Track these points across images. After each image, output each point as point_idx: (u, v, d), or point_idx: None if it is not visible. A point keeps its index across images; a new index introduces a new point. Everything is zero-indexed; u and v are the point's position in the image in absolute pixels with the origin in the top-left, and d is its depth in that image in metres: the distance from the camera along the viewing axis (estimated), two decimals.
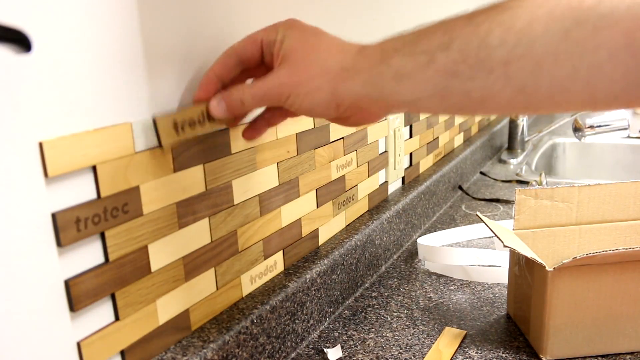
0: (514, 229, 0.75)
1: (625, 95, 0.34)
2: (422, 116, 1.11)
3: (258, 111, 0.56)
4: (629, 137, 1.75)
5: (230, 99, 0.49)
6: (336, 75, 0.44)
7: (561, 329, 0.64)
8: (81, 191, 0.43)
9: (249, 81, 0.53)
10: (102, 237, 0.45)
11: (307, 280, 0.69)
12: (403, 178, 1.06)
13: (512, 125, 1.65)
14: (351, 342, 0.70)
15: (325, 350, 0.68)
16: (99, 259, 0.45)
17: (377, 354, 0.67)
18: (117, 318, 0.47)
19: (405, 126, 1.03)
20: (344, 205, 0.83)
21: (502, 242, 0.64)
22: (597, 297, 0.63)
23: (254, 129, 0.56)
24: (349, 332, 0.72)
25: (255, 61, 0.49)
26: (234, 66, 0.50)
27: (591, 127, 1.37)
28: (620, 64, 0.32)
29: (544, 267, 0.62)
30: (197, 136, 0.53)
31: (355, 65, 0.43)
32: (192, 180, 0.54)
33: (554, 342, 0.64)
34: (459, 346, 0.68)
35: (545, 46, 0.33)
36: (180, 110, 0.49)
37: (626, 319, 0.64)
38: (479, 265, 0.87)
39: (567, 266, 0.61)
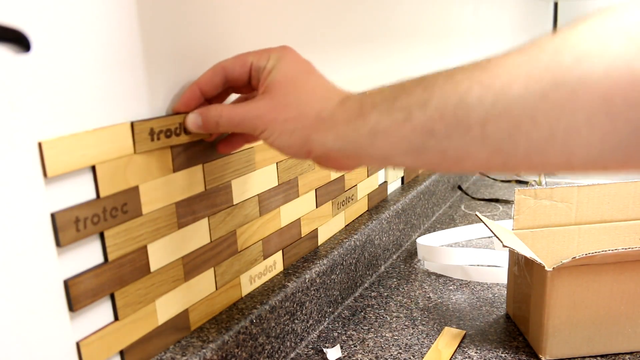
0: (513, 229, 0.75)
1: (602, 160, 0.33)
2: None
3: None
4: None
5: (207, 117, 0.49)
6: (312, 123, 0.44)
7: (560, 329, 0.64)
8: (80, 191, 0.43)
9: (231, 98, 0.53)
10: (102, 237, 0.45)
11: (307, 280, 0.69)
12: (402, 178, 1.06)
13: None
14: (350, 342, 0.70)
15: (324, 350, 0.68)
16: (98, 259, 0.45)
17: (376, 353, 0.67)
18: (116, 318, 0.47)
19: None
20: (343, 205, 0.83)
21: (501, 242, 0.64)
22: (596, 297, 0.63)
23: (229, 143, 0.55)
24: (349, 332, 0.72)
25: (242, 82, 0.49)
26: (220, 84, 0.50)
27: None
28: (597, 128, 0.32)
29: (543, 267, 0.62)
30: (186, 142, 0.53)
31: (333, 117, 0.43)
32: (192, 180, 0.54)
33: (553, 342, 0.64)
34: (458, 346, 0.68)
35: (523, 107, 0.33)
36: (159, 118, 0.49)
37: (625, 318, 0.64)
38: (478, 265, 0.87)
39: (567, 266, 0.61)
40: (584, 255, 0.59)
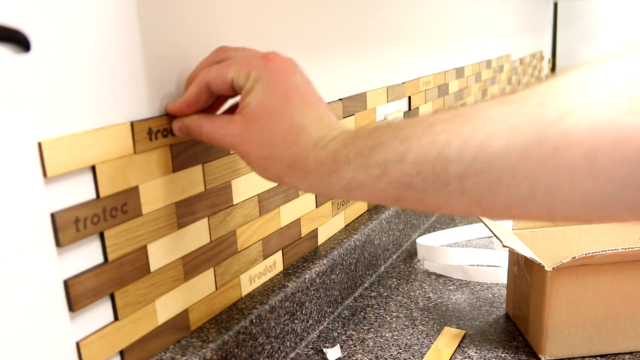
0: (513, 229, 0.75)
1: (584, 214, 0.33)
2: None
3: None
4: None
5: (190, 129, 0.49)
6: (284, 169, 0.43)
7: (560, 328, 0.64)
8: (80, 191, 0.43)
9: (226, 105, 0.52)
10: (102, 237, 0.45)
11: (306, 280, 0.69)
12: None
13: None
14: (350, 342, 0.70)
15: (324, 350, 0.68)
16: (98, 259, 0.45)
17: (376, 353, 0.67)
18: (116, 318, 0.47)
19: None
20: (343, 205, 0.83)
21: (501, 242, 0.64)
22: (596, 297, 0.63)
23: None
24: (348, 332, 0.72)
25: (227, 94, 0.48)
26: (206, 99, 0.48)
27: None
28: (579, 186, 0.31)
29: (543, 267, 0.62)
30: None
31: (306, 168, 0.42)
32: (192, 180, 0.54)
33: (552, 342, 0.64)
34: (458, 346, 0.68)
35: (504, 163, 0.32)
36: (156, 118, 0.49)
37: (625, 318, 0.65)
38: (478, 265, 0.87)
39: (566, 266, 0.61)
40: (584, 255, 0.59)
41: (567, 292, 0.63)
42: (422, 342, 0.70)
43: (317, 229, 0.76)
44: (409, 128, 0.37)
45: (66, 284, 0.42)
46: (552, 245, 0.76)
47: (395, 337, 0.71)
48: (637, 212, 0.31)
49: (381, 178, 0.37)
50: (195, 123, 0.48)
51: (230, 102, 0.53)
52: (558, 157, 0.30)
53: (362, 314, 0.77)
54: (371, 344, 0.70)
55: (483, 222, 0.71)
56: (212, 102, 0.50)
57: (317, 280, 0.72)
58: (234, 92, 0.47)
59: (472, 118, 0.34)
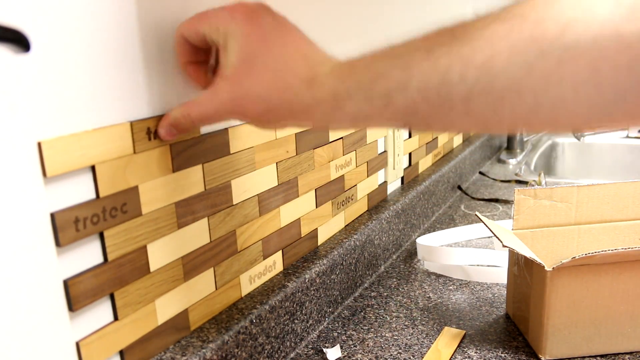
0: (513, 229, 0.75)
1: (587, 123, 0.33)
2: None
3: None
4: (628, 137, 1.75)
5: (179, 123, 0.47)
6: (285, 115, 0.42)
7: (560, 328, 0.64)
8: (80, 191, 0.43)
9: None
10: (101, 237, 0.45)
11: (306, 280, 0.69)
12: (402, 178, 1.06)
13: None
14: (350, 342, 0.70)
15: (324, 350, 0.68)
16: (98, 258, 0.45)
17: (376, 353, 0.67)
18: (116, 318, 0.47)
19: None
20: (343, 205, 0.83)
21: (501, 242, 0.64)
22: (595, 296, 0.63)
23: None
24: (348, 332, 0.72)
25: (203, 47, 0.46)
26: (194, 50, 0.47)
27: None
28: (583, 97, 0.31)
29: (543, 267, 0.62)
30: (194, 137, 0.53)
31: (306, 109, 0.40)
32: (191, 180, 0.54)
33: (552, 342, 0.64)
34: (458, 346, 0.68)
35: (508, 82, 0.32)
36: (155, 117, 0.49)
37: (625, 318, 0.65)
38: (478, 265, 0.87)
39: (566, 266, 0.61)
40: (584, 255, 0.59)
41: (567, 292, 0.63)
42: (422, 342, 0.70)
43: (317, 229, 0.76)
44: (408, 56, 0.36)
45: (66, 283, 0.42)
46: (552, 245, 0.76)
47: (395, 337, 0.71)
48: (639, 117, 0.32)
49: (387, 108, 0.37)
50: (182, 114, 0.46)
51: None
52: (562, 70, 0.31)
53: (362, 314, 0.77)
54: (371, 344, 0.70)
55: (483, 222, 0.71)
56: (195, 58, 0.48)
57: (317, 280, 0.72)
58: (208, 46, 0.46)
59: (470, 40, 0.34)
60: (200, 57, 0.48)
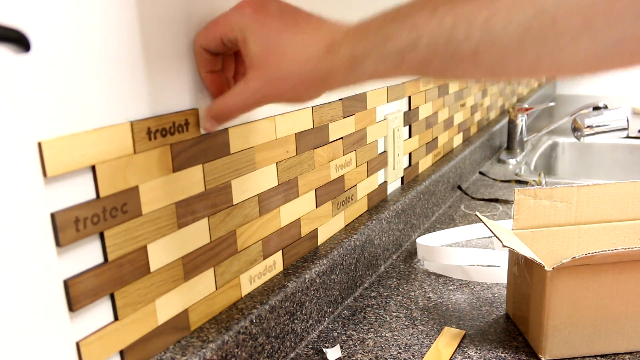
0: (513, 229, 0.75)
1: (588, 69, 0.36)
2: (422, 116, 1.12)
3: None
4: (628, 137, 1.75)
5: (219, 114, 0.51)
6: (313, 85, 0.46)
7: (560, 328, 0.64)
8: (80, 191, 0.43)
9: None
10: (101, 237, 0.45)
11: (306, 280, 0.69)
12: (402, 178, 1.06)
13: (511, 125, 1.65)
14: (350, 342, 0.70)
15: (324, 350, 0.68)
16: (98, 258, 0.45)
17: (376, 353, 0.67)
18: (116, 318, 0.47)
19: (404, 126, 1.04)
20: (343, 205, 0.83)
21: (501, 242, 0.64)
22: (595, 297, 0.63)
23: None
24: (348, 332, 0.72)
25: (223, 51, 0.51)
26: (213, 60, 0.51)
27: (590, 127, 1.37)
28: (581, 47, 0.34)
29: (543, 267, 0.62)
30: (194, 137, 0.53)
31: (329, 74, 0.44)
32: (191, 180, 0.54)
33: (552, 342, 0.64)
34: (458, 346, 0.68)
35: (509, 38, 0.35)
36: (155, 117, 0.49)
37: (625, 318, 0.64)
38: (478, 265, 0.87)
39: (566, 266, 0.61)
40: (584, 255, 0.59)
41: (567, 292, 0.63)
42: (422, 342, 0.70)
43: (317, 229, 0.76)
44: (414, 16, 0.39)
45: (66, 284, 0.42)
46: (552, 245, 0.76)
47: (395, 337, 0.71)
48: (636, 58, 0.35)
49: (401, 65, 0.41)
50: (221, 106, 0.50)
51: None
52: (558, 27, 0.34)
53: (362, 314, 0.77)
54: (371, 344, 0.70)
55: (483, 222, 0.71)
56: (213, 68, 0.52)
57: (317, 280, 0.72)
58: (229, 48, 0.50)
59: None
60: (218, 67, 0.52)
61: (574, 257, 0.60)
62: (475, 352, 0.67)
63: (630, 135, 1.77)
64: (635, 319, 0.65)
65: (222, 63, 0.53)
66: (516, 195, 0.74)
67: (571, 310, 0.64)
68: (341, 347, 0.69)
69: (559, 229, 0.76)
